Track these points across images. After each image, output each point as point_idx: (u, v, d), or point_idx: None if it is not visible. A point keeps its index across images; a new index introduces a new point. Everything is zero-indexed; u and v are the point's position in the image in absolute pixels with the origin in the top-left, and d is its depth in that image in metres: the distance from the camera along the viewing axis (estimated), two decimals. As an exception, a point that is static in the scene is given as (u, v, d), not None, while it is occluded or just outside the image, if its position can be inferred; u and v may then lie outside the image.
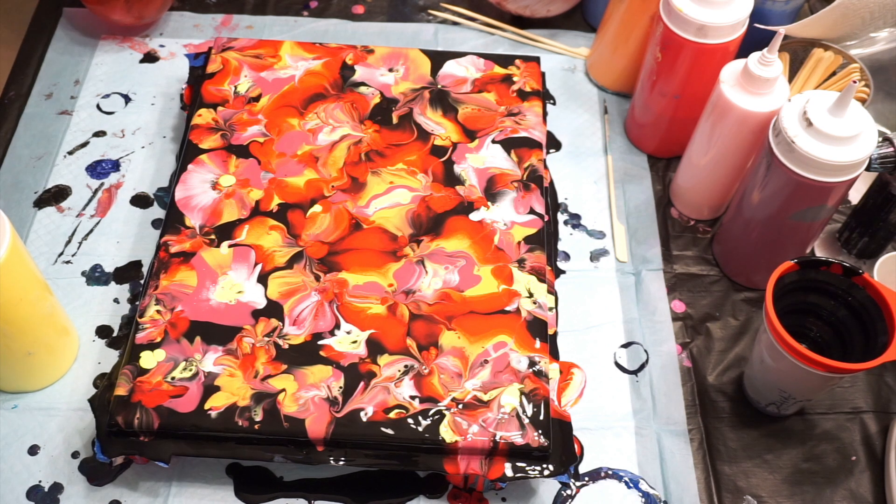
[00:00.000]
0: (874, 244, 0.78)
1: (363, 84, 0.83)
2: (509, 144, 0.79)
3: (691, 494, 0.68)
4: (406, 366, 0.66)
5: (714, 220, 0.84)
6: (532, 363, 0.67)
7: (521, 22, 0.97)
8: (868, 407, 0.73)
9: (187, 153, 0.77)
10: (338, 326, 0.68)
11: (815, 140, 0.66)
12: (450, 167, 0.78)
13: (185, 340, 0.67)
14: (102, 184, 0.82)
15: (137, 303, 0.73)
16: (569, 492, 0.68)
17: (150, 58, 0.92)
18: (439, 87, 0.83)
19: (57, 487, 0.66)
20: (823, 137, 0.65)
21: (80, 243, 0.79)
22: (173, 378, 0.65)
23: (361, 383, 0.65)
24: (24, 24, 0.95)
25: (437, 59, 0.85)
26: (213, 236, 0.72)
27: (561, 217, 0.83)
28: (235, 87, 0.81)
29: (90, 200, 0.81)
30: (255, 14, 0.97)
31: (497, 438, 0.63)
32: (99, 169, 0.83)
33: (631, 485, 0.69)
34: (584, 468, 0.69)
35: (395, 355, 0.67)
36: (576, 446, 0.69)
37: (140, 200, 0.82)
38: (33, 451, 0.68)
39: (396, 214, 0.74)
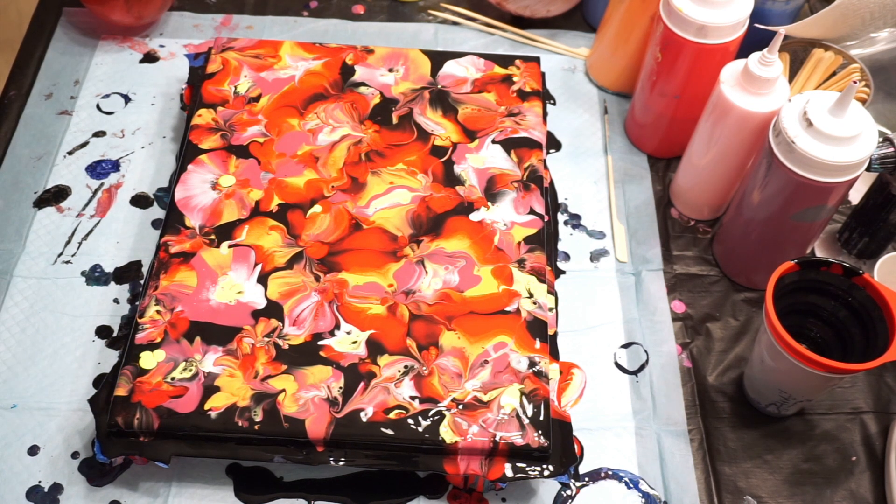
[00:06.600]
0: (874, 244, 0.78)
1: (363, 84, 0.83)
2: (509, 144, 0.79)
3: (691, 495, 0.68)
4: (406, 366, 0.66)
5: (714, 221, 0.84)
6: (532, 363, 0.67)
7: (521, 22, 0.97)
8: (868, 407, 0.73)
9: (187, 153, 0.77)
10: (338, 327, 0.68)
11: (815, 140, 0.66)
12: (450, 167, 0.78)
13: (184, 341, 0.66)
14: (102, 184, 0.82)
15: (137, 303, 0.73)
16: (569, 492, 0.68)
17: (150, 58, 0.92)
18: (439, 87, 0.83)
19: (57, 488, 0.66)
20: (823, 138, 0.65)
21: (80, 243, 0.78)
22: (173, 378, 0.65)
23: (361, 384, 0.65)
24: (24, 24, 0.95)
25: (437, 59, 0.85)
26: (212, 236, 0.72)
27: (561, 217, 0.83)
28: (235, 88, 0.81)
29: (90, 200, 0.81)
30: (255, 14, 0.97)
31: (497, 439, 0.63)
32: (99, 169, 0.83)
33: (631, 485, 0.69)
34: (584, 468, 0.69)
35: (395, 356, 0.67)
36: (576, 447, 0.69)
37: (140, 200, 0.82)
38: (33, 451, 0.68)
39: (396, 215, 0.74)
